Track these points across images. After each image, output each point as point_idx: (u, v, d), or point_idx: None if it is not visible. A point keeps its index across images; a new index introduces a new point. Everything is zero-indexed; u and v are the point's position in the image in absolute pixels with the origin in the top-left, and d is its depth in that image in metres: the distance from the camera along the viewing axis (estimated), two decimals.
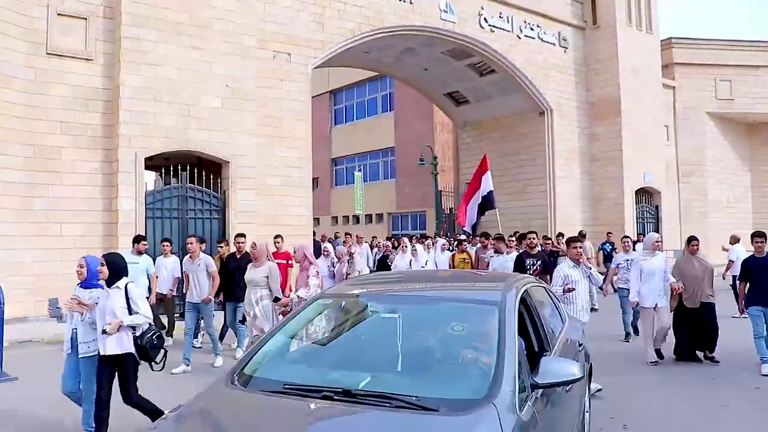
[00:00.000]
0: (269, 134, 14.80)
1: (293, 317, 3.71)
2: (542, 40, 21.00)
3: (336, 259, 10.55)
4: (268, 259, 7.13)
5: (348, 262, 10.11)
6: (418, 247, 11.51)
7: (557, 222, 20.74)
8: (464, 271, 8.94)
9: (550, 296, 4.75)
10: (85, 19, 12.23)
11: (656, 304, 7.98)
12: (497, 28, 19.59)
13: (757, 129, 27.99)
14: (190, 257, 8.47)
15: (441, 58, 20.48)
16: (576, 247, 6.84)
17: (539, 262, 8.39)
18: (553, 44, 21.40)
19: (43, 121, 11.79)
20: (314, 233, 18.54)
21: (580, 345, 4.72)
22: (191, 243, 8.45)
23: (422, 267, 10.63)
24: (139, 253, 9.14)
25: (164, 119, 12.61)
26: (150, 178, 13.19)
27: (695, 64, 25.64)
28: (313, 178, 38.93)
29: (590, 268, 6.80)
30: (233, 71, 13.56)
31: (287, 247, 13.80)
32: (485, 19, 19.27)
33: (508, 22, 19.93)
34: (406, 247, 11.63)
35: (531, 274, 8.15)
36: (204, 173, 13.45)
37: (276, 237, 11.23)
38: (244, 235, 9.34)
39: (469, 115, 23.63)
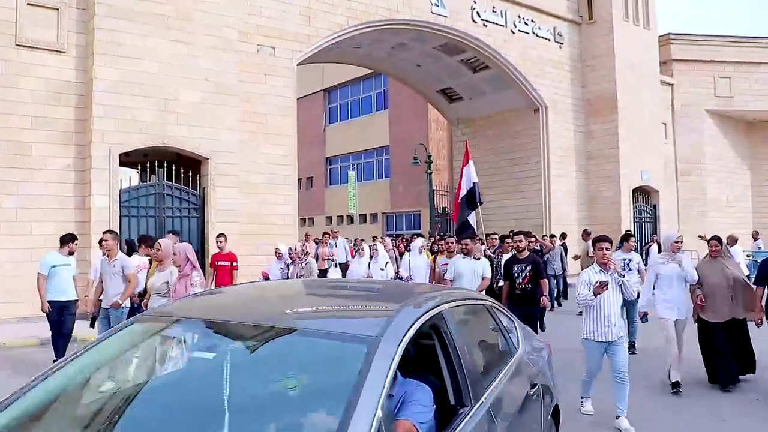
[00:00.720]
0: (253, 131, 14.33)
1: (90, 348, 2.58)
2: (537, 35, 20.52)
3: (290, 261, 9.69)
4: (174, 264, 6.24)
5: (301, 264, 9.22)
6: (379, 246, 10.16)
7: (552, 221, 20.27)
8: (377, 283, 6.19)
9: (493, 316, 3.55)
10: (57, 9, 11.73)
11: (677, 319, 6.64)
12: (490, 22, 19.11)
13: (757, 127, 27.51)
14: (107, 257, 7.40)
15: (433, 53, 20.01)
16: (602, 248, 5.48)
17: (529, 268, 7.27)
18: (548, 39, 20.93)
19: (13, 116, 11.29)
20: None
21: (534, 386, 3.39)
22: (106, 240, 7.35)
23: (381, 270, 9.32)
24: (71, 253, 7.94)
25: (141, 114, 12.13)
26: (128, 175, 12.66)
27: (694, 61, 25.18)
28: (307, 178, 39.02)
29: (623, 276, 5.51)
30: (215, 65, 13.08)
31: (262, 248, 13.35)
32: (478, 13, 18.79)
33: (501, 16, 19.45)
34: (363, 250, 10.08)
35: (520, 283, 7.25)
36: (183, 170, 12.96)
37: (218, 236, 10.36)
38: (177, 233, 8.29)
39: (463, 112, 23.16)
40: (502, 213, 21.34)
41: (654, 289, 6.84)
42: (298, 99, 39.53)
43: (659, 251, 10.36)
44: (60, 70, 11.74)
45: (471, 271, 7.81)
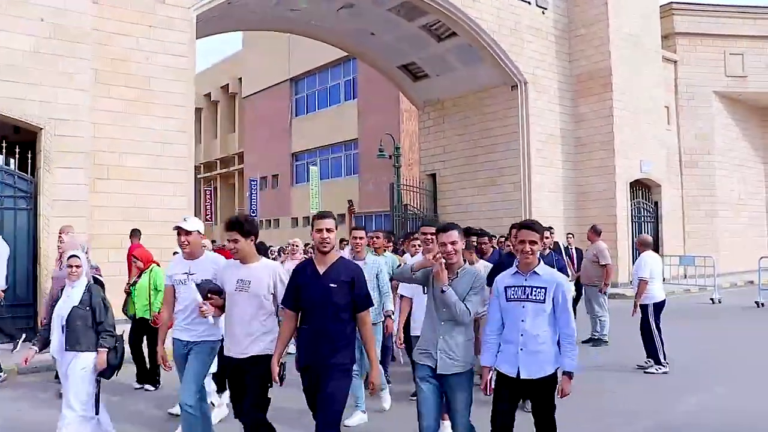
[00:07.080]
0: (131, 98, 10.87)
1: None
2: None
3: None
4: None
5: None
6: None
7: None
8: None
9: None
10: None
11: None
12: None
13: None
14: None
15: (389, 18, 16.57)
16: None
17: None
18: (529, 2, 17.48)
19: None
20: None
21: None
22: None
23: None
24: None
25: None
26: None
27: (701, 35, 21.62)
28: (272, 176, 35.49)
29: None
30: (57, 2, 9.60)
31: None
32: None
33: None
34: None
35: None
36: (6, 145, 9.48)
37: None
38: None
39: (429, 92, 19.66)
40: (473, 210, 17.90)
41: None
42: (260, 91, 36.48)
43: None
44: None
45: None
